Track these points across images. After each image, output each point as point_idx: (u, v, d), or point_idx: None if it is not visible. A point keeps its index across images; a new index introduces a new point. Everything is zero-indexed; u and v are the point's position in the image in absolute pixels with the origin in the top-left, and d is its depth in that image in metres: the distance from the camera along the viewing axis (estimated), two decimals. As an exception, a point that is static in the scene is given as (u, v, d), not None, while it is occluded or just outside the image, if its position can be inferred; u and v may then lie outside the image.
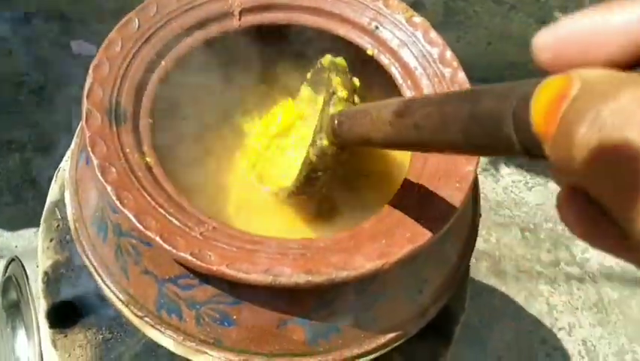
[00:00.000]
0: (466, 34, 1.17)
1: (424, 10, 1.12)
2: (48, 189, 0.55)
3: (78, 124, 0.49)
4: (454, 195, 0.40)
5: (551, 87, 0.16)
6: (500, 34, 1.17)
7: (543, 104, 0.17)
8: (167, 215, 0.37)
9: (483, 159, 1.20)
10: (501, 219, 1.14)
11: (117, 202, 0.37)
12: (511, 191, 1.17)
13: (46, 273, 0.50)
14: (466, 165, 0.41)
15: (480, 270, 1.08)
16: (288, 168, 0.51)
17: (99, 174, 0.37)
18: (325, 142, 0.40)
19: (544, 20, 1.13)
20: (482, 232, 1.11)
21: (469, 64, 1.40)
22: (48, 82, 1.12)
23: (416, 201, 0.40)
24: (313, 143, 0.41)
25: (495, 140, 0.21)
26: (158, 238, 0.36)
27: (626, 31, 0.16)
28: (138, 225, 0.36)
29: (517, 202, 1.16)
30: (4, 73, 1.13)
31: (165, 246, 0.35)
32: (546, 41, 0.18)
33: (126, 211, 0.36)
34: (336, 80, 0.40)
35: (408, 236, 0.38)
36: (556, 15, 1.11)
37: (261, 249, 0.37)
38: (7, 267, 0.73)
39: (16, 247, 0.99)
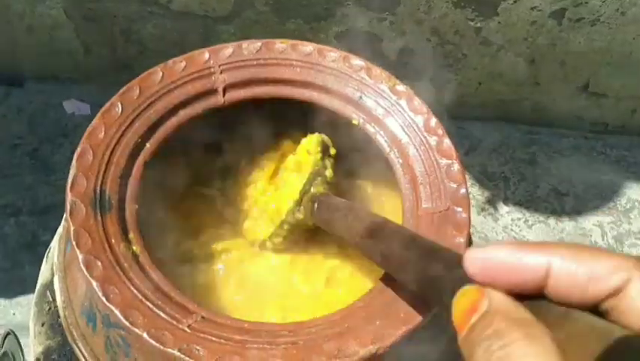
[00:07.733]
0: (457, 75, 1.18)
1: (413, 56, 1.12)
2: (44, 253, 0.54)
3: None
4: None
5: (467, 296, 0.22)
6: (490, 74, 1.17)
7: (460, 309, 0.22)
8: (154, 308, 0.36)
9: (480, 198, 1.20)
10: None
11: (103, 298, 0.36)
12: (512, 229, 1.16)
13: (38, 360, 0.49)
14: (457, 237, 0.41)
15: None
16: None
17: (84, 269, 0.37)
18: (301, 216, 0.46)
19: (534, 58, 1.13)
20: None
21: (462, 104, 1.38)
22: (42, 144, 1.12)
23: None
24: (291, 212, 0.47)
25: (438, 299, 0.27)
26: (145, 335, 0.35)
27: (533, 271, 0.22)
28: (125, 321, 0.35)
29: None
30: (-2, 136, 1.14)
31: (153, 343, 0.35)
32: (475, 259, 0.23)
33: (112, 307, 0.36)
34: (328, 162, 0.47)
35: (402, 316, 0.37)
36: (544, 51, 1.12)
37: (250, 339, 0.36)
38: (2, 341, 0.72)
39: (14, 314, 0.98)
